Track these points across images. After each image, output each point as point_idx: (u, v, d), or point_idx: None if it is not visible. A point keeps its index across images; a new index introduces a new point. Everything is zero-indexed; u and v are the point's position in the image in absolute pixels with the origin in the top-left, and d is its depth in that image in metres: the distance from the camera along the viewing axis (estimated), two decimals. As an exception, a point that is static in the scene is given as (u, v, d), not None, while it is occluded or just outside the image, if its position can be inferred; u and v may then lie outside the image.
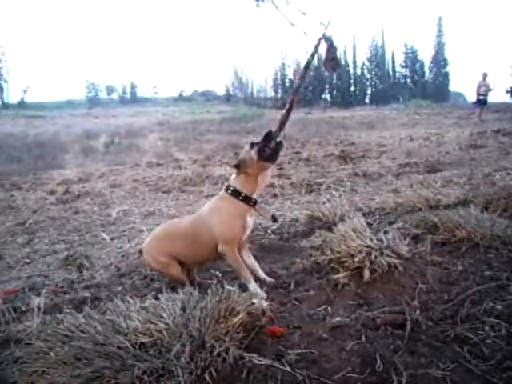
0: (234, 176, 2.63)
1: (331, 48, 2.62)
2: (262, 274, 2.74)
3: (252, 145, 2.56)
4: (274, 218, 2.79)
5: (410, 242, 2.82)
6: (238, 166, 2.56)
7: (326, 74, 62.64)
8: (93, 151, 13.49)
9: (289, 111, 2.56)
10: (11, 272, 3.99)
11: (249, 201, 2.56)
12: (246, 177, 2.56)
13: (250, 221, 2.64)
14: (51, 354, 1.78)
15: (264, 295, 2.44)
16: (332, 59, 2.67)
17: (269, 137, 2.50)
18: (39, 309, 2.51)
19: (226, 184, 2.64)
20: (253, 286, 2.52)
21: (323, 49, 2.66)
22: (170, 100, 73.79)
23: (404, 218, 3.64)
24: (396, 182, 6.23)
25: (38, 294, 3.00)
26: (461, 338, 1.88)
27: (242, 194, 2.55)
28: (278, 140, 2.52)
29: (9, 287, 3.40)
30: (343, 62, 63.25)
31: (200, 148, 13.03)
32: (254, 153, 2.50)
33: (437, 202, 4.04)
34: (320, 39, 2.59)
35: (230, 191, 2.58)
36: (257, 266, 2.77)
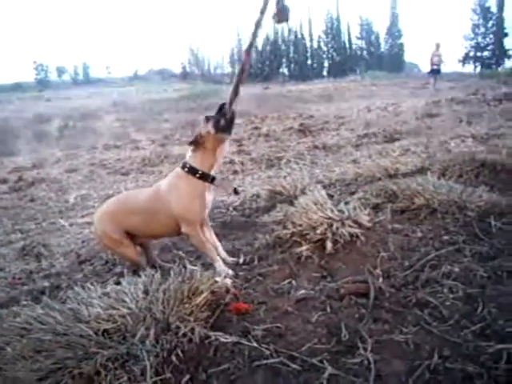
0: (189, 153, 2.56)
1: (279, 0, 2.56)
2: (223, 253, 2.71)
3: (207, 118, 2.50)
4: (236, 191, 2.75)
5: (371, 212, 2.86)
6: (195, 142, 2.49)
7: (283, 47, 62.42)
8: (46, 136, 12.99)
9: (242, 71, 2.51)
10: (-36, 266, 3.81)
11: (207, 178, 2.51)
12: (202, 153, 2.50)
13: (209, 197, 2.59)
14: (8, 349, 1.71)
15: (230, 272, 2.43)
16: (279, 10, 2.60)
17: (223, 109, 2.46)
18: (-6, 302, 2.42)
19: (182, 161, 2.56)
20: (219, 264, 2.50)
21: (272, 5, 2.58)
22: (125, 80, 71.68)
23: (364, 188, 3.69)
24: (355, 153, 6.30)
25: (-7, 288, 2.89)
26: (422, 303, 1.93)
27: (199, 172, 2.49)
28: (231, 110, 2.47)
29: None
30: (299, 36, 63.00)
31: (158, 128, 12.76)
32: (210, 126, 2.45)
33: (395, 170, 4.12)
34: None
35: (186, 169, 2.51)
36: (218, 245, 2.74)
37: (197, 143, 2.49)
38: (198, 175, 2.49)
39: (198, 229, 2.57)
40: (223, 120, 2.44)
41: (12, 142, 11.83)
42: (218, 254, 2.63)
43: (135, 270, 2.60)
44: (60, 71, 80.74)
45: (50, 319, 1.88)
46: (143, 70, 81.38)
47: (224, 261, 2.61)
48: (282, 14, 2.56)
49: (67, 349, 1.69)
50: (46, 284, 2.97)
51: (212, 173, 2.53)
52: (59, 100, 34.03)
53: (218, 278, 2.03)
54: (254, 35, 2.52)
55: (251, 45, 2.55)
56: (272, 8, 2.54)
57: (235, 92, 2.49)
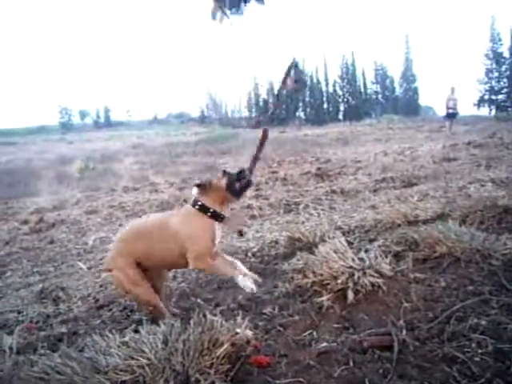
0: (195, 192, 2.59)
1: (296, 71, 2.71)
2: (244, 269, 2.66)
3: (224, 173, 2.56)
4: (241, 233, 2.79)
5: (392, 260, 2.81)
6: (203, 187, 2.55)
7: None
8: (67, 177, 13.26)
9: (263, 142, 2.62)
10: (-17, 308, 3.82)
11: (217, 217, 2.54)
12: (211, 197, 2.55)
13: (218, 233, 2.61)
14: (26, 399, 1.68)
15: (254, 288, 2.44)
16: (296, 81, 2.76)
17: (241, 175, 2.54)
18: (11, 349, 2.40)
19: (193, 199, 2.58)
20: (241, 278, 2.50)
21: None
22: (144, 123, 73.59)
23: (384, 235, 3.65)
24: (373, 197, 6.26)
25: (11, 333, 2.88)
26: (449, 357, 1.86)
27: (211, 210, 2.52)
28: (248, 179, 2.57)
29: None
30: (315, 80, 64.26)
31: (176, 171, 12.94)
32: (224, 182, 2.52)
33: (415, 217, 4.06)
34: (289, 68, 2.68)
35: (198, 206, 2.54)
36: (237, 262, 2.72)
37: (205, 187, 2.54)
38: (208, 214, 2.53)
39: (207, 258, 2.56)
40: (238, 184, 2.52)
41: (34, 182, 12.08)
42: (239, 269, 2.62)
43: (153, 319, 2.57)
44: (82, 114, 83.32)
45: (67, 369, 1.86)
46: (162, 114, 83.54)
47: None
48: (299, 87, 2.73)
49: (85, 401, 1.66)
50: (64, 330, 2.95)
51: (223, 212, 2.57)
52: (81, 142, 34.96)
53: (238, 330, 2.00)
54: (275, 107, 2.67)
55: (272, 114, 2.70)
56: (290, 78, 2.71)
57: (254, 162, 2.60)
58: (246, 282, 2.48)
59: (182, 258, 2.58)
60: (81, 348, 2.23)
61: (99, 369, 1.83)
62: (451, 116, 17.36)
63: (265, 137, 2.63)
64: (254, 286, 2.44)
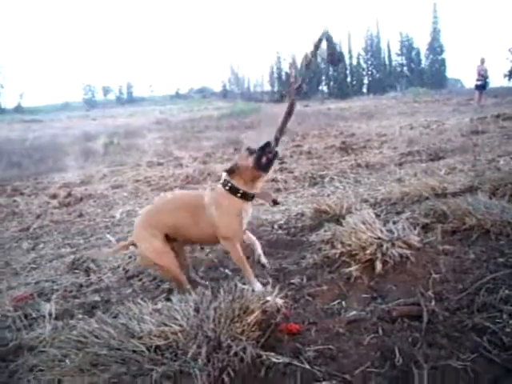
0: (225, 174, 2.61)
1: (330, 44, 2.64)
2: (262, 257, 2.69)
3: (250, 151, 2.54)
4: (275, 202, 2.77)
5: (420, 232, 2.80)
6: (232, 171, 2.55)
7: (323, 65, 62.61)
8: (93, 153, 13.43)
9: (289, 115, 2.58)
10: (19, 278, 3.96)
11: (247, 197, 2.55)
12: (241, 178, 2.55)
13: (247, 212, 2.62)
14: (66, 361, 1.77)
15: (268, 297, 2.40)
16: (330, 54, 2.70)
17: (267, 148, 2.51)
18: (50, 315, 2.49)
19: (224, 179, 2.59)
20: (258, 287, 2.46)
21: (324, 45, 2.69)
22: (166, 98, 73.56)
23: (411, 207, 3.62)
24: (399, 171, 6.18)
25: (48, 300, 2.99)
26: (479, 328, 1.86)
27: (241, 191, 2.53)
28: (274, 150, 2.53)
29: (18, 293, 3.38)
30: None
31: (199, 145, 12.97)
32: (251, 160, 2.50)
33: (443, 189, 4.01)
34: (320, 39, 2.60)
35: (227, 187, 2.55)
36: (257, 245, 2.74)
37: (233, 171, 2.54)
38: (238, 195, 2.53)
39: (237, 245, 2.59)
40: (265, 158, 2.49)
41: (61, 158, 12.29)
42: (257, 256, 2.67)
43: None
44: (105, 91, 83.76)
45: (104, 333, 1.93)
46: (184, 89, 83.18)
47: (260, 261, 2.65)
48: (335, 58, 2.67)
49: (122, 364, 1.72)
50: (97, 298, 3.04)
51: (252, 192, 2.57)
52: (104, 118, 35.23)
53: (268, 298, 2.03)
54: (304, 78, 2.60)
55: (300, 86, 2.63)
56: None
57: (281, 133, 2.56)
58: (261, 288, 2.43)
59: (213, 235, 2.61)
60: (115, 315, 2.29)
61: (134, 334, 1.89)
62: (480, 88, 16.84)
63: (292, 108, 2.58)
64: (262, 290, 2.36)
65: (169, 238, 2.70)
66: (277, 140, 2.55)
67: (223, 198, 2.56)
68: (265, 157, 2.49)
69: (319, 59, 62.80)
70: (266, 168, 2.53)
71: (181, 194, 2.88)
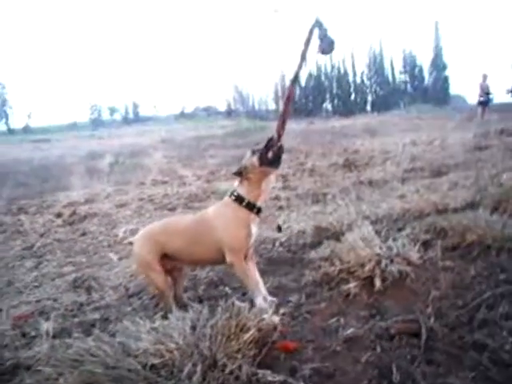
0: (237, 183, 2.60)
1: (321, 30, 2.60)
2: (264, 291, 2.63)
3: (253, 151, 2.53)
4: (279, 228, 2.75)
5: (420, 249, 2.79)
6: (239, 173, 2.54)
7: (326, 83, 63.06)
8: (98, 172, 13.51)
9: (288, 101, 2.56)
10: (21, 296, 3.96)
11: (252, 207, 2.52)
12: (249, 184, 2.53)
13: (254, 229, 2.58)
14: (61, 380, 1.75)
15: (269, 311, 2.38)
16: (322, 40, 2.64)
17: (270, 142, 2.48)
18: (48, 334, 2.49)
19: (231, 189, 2.61)
20: (259, 300, 2.47)
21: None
22: (171, 117, 74.10)
23: (412, 224, 3.60)
24: (402, 187, 6.16)
25: (47, 318, 2.98)
26: (479, 345, 1.84)
27: (246, 200, 2.51)
28: (279, 144, 2.49)
29: (19, 312, 3.38)
30: (342, 71, 63.54)
31: (204, 164, 13.03)
32: (255, 159, 2.48)
33: (445, 205, 4.00)
34: (313, 26, 2.57)
35: (233, 197, 2.55)
36: (260, 282, 2.68)
37: (241, 174, 2.53)
38: (243, 204, 2.52)
39: (242, 259, 2.56)
40: (270, 153, 2.47)
41: (67, 177, 12.36)
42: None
43: (182, 306, 2.62)
44: (112, 111, 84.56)
45: (100, 352, 1.91)
46: (190, 108, 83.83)
47: (264, 299, 2.56)
48: (326, 46, 2.61)
49: (117, 382, 1.71)
50: (96, 316, 3.04)
51: (258, 204, 2.54)
52: (111, 138, 35.51)
53: (265, 315, 2.02)
54: (299, 66, 2.57)
55: (296, 76, 2.61)
56: (316, 40, 2.61)
57: (282, 124, 2.53)
58: (263, 304, 2.42)
59: (218, 253, 2.58)
60: (112, 333, 2.28)
61: (130, 352, 1.88)
62: (483, 104, 16.88)
63: (290, 94, 2.56)
64: (269, 312, 2.25)
65: (170, 257, 2.71)
66: (279, 134, 2.51)
67: (230, 208, 2.56)
68: (270, 153, 2.47)
69: (323, 77, 63.51)
70: (273, 163, 2.50)
71: (183, 219, 2.89)
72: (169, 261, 2.72)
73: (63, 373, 1.81)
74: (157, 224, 2.91)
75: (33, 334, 2.73)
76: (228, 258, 2.55)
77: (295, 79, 2.62)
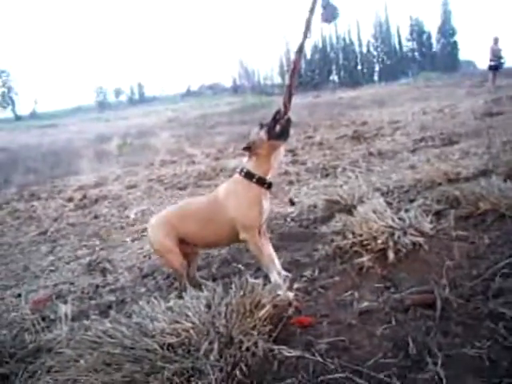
0: (246, 159, 2.58)
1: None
2: (278, 267, 2.64)
3: (261, 126, 2.51)
4: (292, 202, 2.73)
5: (433, 219, 2.76)
6: (248, 148, 2.51)
7: (332, 54, 62.04)
8: (106, 154, 13.56)
9: (294, 72, 2.52)
10: (38, 281, 4.03)
11: (263, 182, 2.51)
12: (258, 159, 2.51)
13: (266, 204, 2.58)
14: (81, 361, 1.79)
15: (284, 286, 2.36)
16: (325, 8, 2.59)
17: (278, 115, 2.46)
18: (67, 316, 2.53)
19: (240, 166, 2.59)
20: (274, 275, 2.48)
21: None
22: (177, 96, 73.62)
23: (424, 194, 3.58)
24: (412, 158, 6.12)
25: (65, 302, 3.03)
26: (495, 314, 1.83)
27: (256, 176, 2.50)
28: (286, 117, 2.47)
29: (37, 296, 3.44)
30: (348, 42, 62.44)
31: (212, 141, 12.99)
32: (263, 133, 2.46)
33: (456, 174, 3.96)
34: None
35: (243, 173, 2.54)
36: (275, 258, 2.68)
37: (250, 149, 2.51)
38: (254, 180, 2.51)
39: (257, 235, 2.57)
40: (278, 127, 2.45)
41: (76, 161, 12.41)
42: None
43: (195, 285, 2.65)
44: (117, 92, 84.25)
45: (117, 333, 1.94)
46: (195, 86, 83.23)
47: (279, 274, 2.58)
48: (329, 13, 2.56)
49: (135, 362, 1.74)
50: (112, 298, 3.09)
51: (269, 178, 2.53)
52: (117, 120, 35.48)
53: (279, 292, 2.02)
54: (305, 34, 2.52)
55: (302, 45, 2.55)
56: (319, 8, 2.55)
57: (289, 96, 2.49)
58: (278, 280, 2.43)
59: (232, 233, 2.59)
60: (129, 314, 2.31)
61: (147, 333, 1.90)
62: (494, 68, 16.49)
63: (296, 66, 2.52)
64: (284, 286, 2.32)
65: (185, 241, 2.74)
66: (285, 106, 2.48)
67: (240, 185, 2.56)
68: (278, 125, 2.45)
69: (328, 48, 62.45)
70: (282, 136, 2.48)
71: (195, 202, 2.92)
72: (184, 244, 2.74)
73: (83, 354, 1.84)
74: (170, 208, 2.94)
75: (52, 317, 2.80)
76: (242, 236, 2.56)
77: (300, 49, 2.56)
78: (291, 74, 2.53)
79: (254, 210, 2.52)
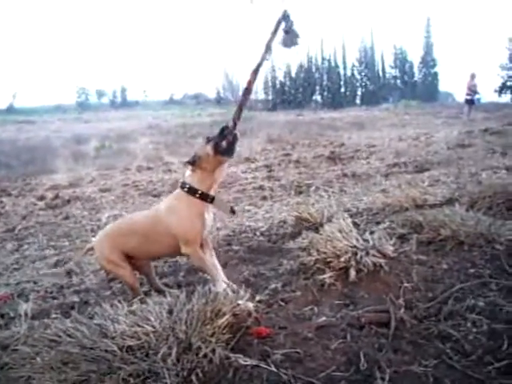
0: (188, 173, 2.58)
1: (287, 23, 2.60)
2: (223, 277, 2.63)
3: (208, 140, 2.52)
4: (233, 211, 2.73)
5: (396, 242, 2.85)
6: (192, 163, 2.52)
7: (317, 75, 62.90)
8: (83, 156, 13.44)
9: (247, 91, 2.57)
10: (1, 278, 3.97)
11: (206, 198, 2.52)
12: (202, 173, 2.52)
13: (209, 218, 2.60)
14: (38, 359, 1.79)
15: (230, 293, 2.29)
16: (286, 32, 2.63)
17: (225, 131, 2.48)
18: (27, 314, 2.52)
19: (181, 181, 2.59)
20: (221, 284, 2.48)
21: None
22: (160, 103, 73.30)
23: (391, 217, 3.68)
24: (385, 182, 6.28)
25: (27, 300, 3.01)
26: (443, 335, 1.91)
27: (199, 192, 2.51)
28: (234, 132, 2.49)
29: (-2, 294, 3.39)
30: (333, 64, 63.46)
31: (191, 151, 12.87)
32: (209, 148, 2.47)
33: (424, 201, 4.09)
34: (280, 18, 2.56)
35: (186, 189, 2.53)
36: (219, 268, 2.67)
37: (195, 164, 2.52)
38: (197, 195, 2.51)
39: (198, 249, 2.58)
40: (224, 142, 2.46)
41: (51, 160, 12.26)
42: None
43: (159, 291, 2.67)
44: (99, 94, 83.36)
45: (77, 333, 1.95)
46: (179, 95, 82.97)
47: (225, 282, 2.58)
48: (289, 39, 2.62)
49: (92, 362, 1.75)
50: (76, 299, 3.08)
51: (211, 193, 2.55)
52: (97, 122, 35.15)
53: (240, 301, 2.07)
54: (263, 57, 2.57)
55: (259, 65, 2.59)
56: (281, 32, 2.62)
57: (238, 114, 2.53)
58: (226, 289, 2.38)
59: (175, 246, 2.59)
60: (91, 315, 2.31)
61: (107, 334, 1.92)
62: (470, 102, 17.06)
63: (249, 86, 2.57)
64: (230, 292, 2.26)
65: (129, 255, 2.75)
66: (234, 123, 2.51)
67: (182, 200, 2.55)
68: (224, 141, 2.46)
69: (313, 69, 63.27)
70: (228, 151, 2.49)
71: (136, 218, 2.87)
72: (129, 258, 2.75)
73: (40, 352, 1.84)
74: (113, 226, 2.92)
75: (11, 314, 2.76)
76: (183, 250, 2.57)
77: (256, 70, 2.60)
78: (244, 93, 2.59)
79: (196, 225, 2.53)
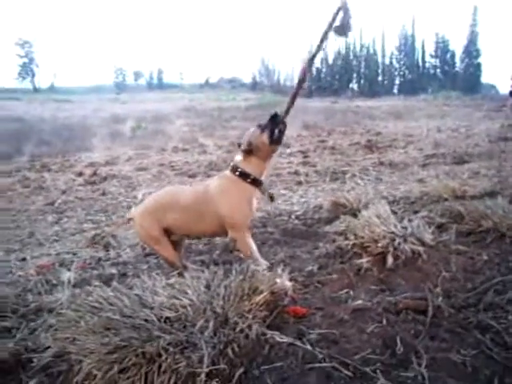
0: (239, 157, 2.57)
1: (345, 14, 2.55)
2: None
3: (262, 128, 2.51)
4: (272, 198, 2.71)
5: (435, 231, 2.81)
6: (250, 151, 2.51)
7: (354, 62, 61.82)
8: (120, 135, 13.67)
9: (301, 83, 2.54)
10: (42, 248, 4.12)
11: (257, 183, 2.54)
12: (255, 160, 2.52)
13: (255, 203, 2.61)
14: (82, 322, 1.85)
15: (283, 276, 2.30)
16: (342, 25, 2.58)
17: (277, 119, 2.49)
18: (69, 282, 2.62)
19: (232, 165, 2.58)
20: (261, 262, 2.49)
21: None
22: (196, 86, 73.69)
23: (429, 207, 3.63)
24: (422, 172, 6.17)
25: (68, 270, 3.12)
26: (483, 326, 1.89)
27: (251, 177, 2.52)
28: (284, 122, 2.51)
29: (41, 262, 3.52)
30: (371, 51, 62.22)
31: (225, 134, 13.08)
32: (265, 137, 2.48)
33: (463, 192, 4.00)
34: (339, 9, 2.52)
35: (238, 173, 2.53)
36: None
37: (251, 151, 2.51)
38: (249, 180, 2.52)
39: (246, 234, 2.58)
40: (277, 131, 2.48)
41: (89, 138, 12.53)
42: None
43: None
44: (136, 75, 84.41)
45: (118, 301, 2.01)
46: (214, 78, 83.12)
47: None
48: (342, 30, 2.58)
49: (133, 330, 1.80)
50: (114, 271, 3.16)
51: (262, 179, 2.56)
52: (134, 103, 35.62)
53: (278, 280, 2.09)
54: (319, 47, 2.54)
55: (314, 56, 2.57)
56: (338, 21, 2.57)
57: (292, 102, 2.52)
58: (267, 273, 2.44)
59: (219, 228, 2.60)
60: (130, 286, 2.38)
61: (146, 304, 1.97)
62: (514, 94, 16.44)
63: (304, 77, 2.55)
64: (283, 276, 2.24)
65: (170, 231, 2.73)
66: (287, 111, 2.52)
67: (233, 184, 2.54)
68: (277, 129, 2.47)
69: (351, 56, 62.20)
70: (279, 140, 2.51)
71: (182, 191, 2.78)
72: (170, 233, 2.74)
73: (83, 316, 1.91)
74: (156, 197, 2.83)
75: (55, 281, 2.87)
76: (231, 234, 2.57)
77: (312, 59, 2.58)
78: (299, 82, 2.56)
79: (245, 210, 2.54)
